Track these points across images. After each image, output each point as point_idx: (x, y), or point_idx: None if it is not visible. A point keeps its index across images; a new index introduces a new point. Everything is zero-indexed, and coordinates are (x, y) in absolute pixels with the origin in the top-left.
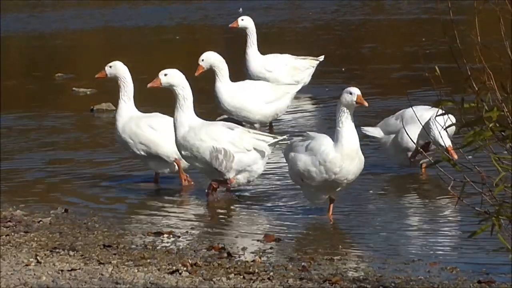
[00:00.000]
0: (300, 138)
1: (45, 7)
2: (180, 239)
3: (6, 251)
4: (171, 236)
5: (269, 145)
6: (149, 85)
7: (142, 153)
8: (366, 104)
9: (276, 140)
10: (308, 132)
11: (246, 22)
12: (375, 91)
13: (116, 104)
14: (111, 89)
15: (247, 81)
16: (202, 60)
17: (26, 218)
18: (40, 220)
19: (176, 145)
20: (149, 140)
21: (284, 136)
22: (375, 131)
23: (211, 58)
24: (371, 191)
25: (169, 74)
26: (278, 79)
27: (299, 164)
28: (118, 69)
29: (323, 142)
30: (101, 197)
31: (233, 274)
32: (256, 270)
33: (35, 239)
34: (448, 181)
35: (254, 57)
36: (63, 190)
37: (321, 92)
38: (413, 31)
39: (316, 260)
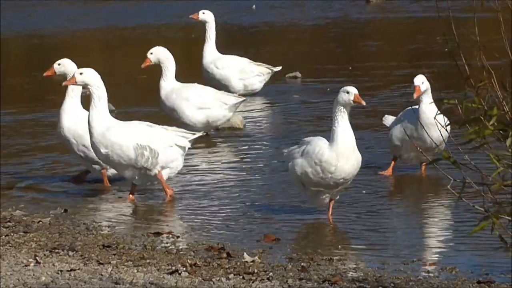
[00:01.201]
0: (296, 146)
1: (46, 6)
2: (180, 239)
3: (6, 252)
4: (171, 236)
5: (188, 141)
6: (63, 83)
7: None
8: (363, 103)
9: (195, 136)
10: (303, 138)
11: (206, 16)
12: (376, 88)
13: (116, 104)
14: (111, 89)
15: (194, 84)
16: (151, 53)
17: (26, 219)
18: (40, 221)
19: (93, 144)
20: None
21: (202, 132)
22: (387, 120)
23: (159, 54)
24: (371, 191)
25: (84, 73)
26: (225, 78)
27: (297, 168)
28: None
29: (317, 143)
30: (100, 197)
31: (232, 275)
32: (256, 271)
33: (35, 239)
34: (447, 180)
35: (209, 52)
36: (62, 190)
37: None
38: (421, 30)
39: (316, 260)
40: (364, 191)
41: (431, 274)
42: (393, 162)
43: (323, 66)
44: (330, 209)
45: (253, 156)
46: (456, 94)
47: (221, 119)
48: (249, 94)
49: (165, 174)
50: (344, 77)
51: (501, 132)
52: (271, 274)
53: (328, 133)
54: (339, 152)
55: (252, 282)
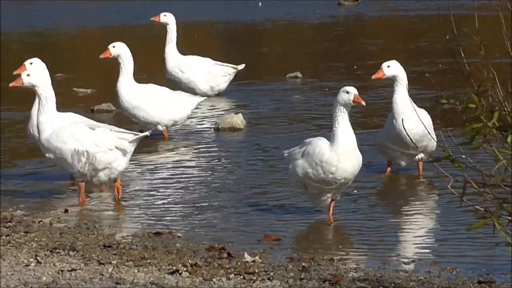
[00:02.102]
0: (298, 147)
1: (46, 5)
2: (180, 239)
3: (6, 251)
4: (171, 236)
5: (130, 142)
6: (10, 84)
7: None
8: (363, 103)
9: (137, 137)
10: (304, 140)
11: (167, 18)
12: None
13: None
14: (112, 89)
15: (150, 84)
16: (113, 46)
17: (26, 219)
18: (40, 221)
19: (41, 147)
20: None
21: (146, 133)
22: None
23: (120, 49)
24: (371, 191)
25: (31, 75)
26: (191, 81)
27: (297, 169)
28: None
29: (318, 144)
30: (101, 197)
31: (233, 275)
32: (256, 271)
33: (35, 239)
34: (447, 179)
35: (171, 55)
36: (63, 190)
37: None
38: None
39: (316, 260)
40: (355, 191)
41: (431, 274)
42: (389, 168)
43: (325, 63)
44: (331, 209)
45: (253, 156)
46: (461, 91)
47: (184, 118)
48: (215, 95)
49: (104, 175)
50: (344, 76)
51: (502, 133)
52: (271, 274)
53: (328, 133)
54: (339, 153)
55: (253, 282)
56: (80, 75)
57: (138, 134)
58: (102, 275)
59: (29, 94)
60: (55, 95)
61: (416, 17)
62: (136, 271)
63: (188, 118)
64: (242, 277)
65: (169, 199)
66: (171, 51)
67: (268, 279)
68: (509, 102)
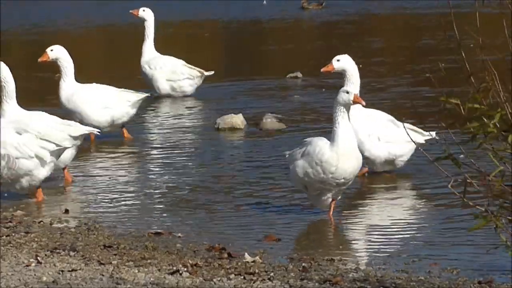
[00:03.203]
0: (298, 147)
1: (46, 5)
2: (181, 239)
3: (7, 252)
4: (172, 236)
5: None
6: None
7: None
8: (363, 102)
9: (60, 147)
10: (305, 139)
11: (145, 13)
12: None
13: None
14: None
15: (94, 84)
16: (51, 50)
17: (27, 219)
18: (41, 221)
19: None
20: None
21: (95, 131)
22: None
23: (58, 53)
24: (372, 191)
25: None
26: (154, 79)
27: (298, 169)
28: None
29: (318, 143)
30: (101, 197)
31: (233, 275)
32: (257, 271)
33: (36, 239)
34: (447, 179)
35: (147, 51)
36: (63, 191)
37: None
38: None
39: (317, 260)
40: (371, 191)
41: (432, 274)
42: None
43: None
44: (331, 209)
45: (253, 156)
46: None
47: (125, 117)
48: (180, 96)
49: (25, 181)
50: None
51: (502, 133)
52: (272, 274)
53: (329, 133)
54: (339, 153)
55: (253, 282)
56: (80, 75)
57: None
58: (103, 275)
59: (29, 94)
60: (55, 95)
61: (419, 15)
62: (137, 271)
63: (133, 116)
64: (242, 277)
65: (169, 199)
66: (147, 47)
67: (269, 279)
68: (510, 102)
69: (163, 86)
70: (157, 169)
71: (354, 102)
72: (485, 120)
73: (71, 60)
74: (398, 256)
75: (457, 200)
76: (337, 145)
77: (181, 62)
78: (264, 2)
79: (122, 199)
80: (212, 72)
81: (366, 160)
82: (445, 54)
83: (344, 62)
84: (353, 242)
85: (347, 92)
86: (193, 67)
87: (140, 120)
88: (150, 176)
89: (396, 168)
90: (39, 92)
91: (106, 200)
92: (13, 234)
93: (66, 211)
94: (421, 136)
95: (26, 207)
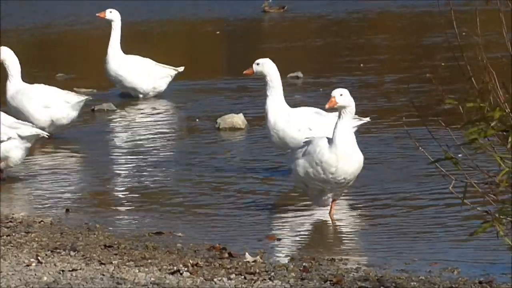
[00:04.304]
0: (299, 146)
1: (46, 4)
2: (181, 239)
3: (7, 251)
4: (172, 236)
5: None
6: (97, 14)
7: None
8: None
9: (33, 133)
10: (306, 139)
11: (112, 15)
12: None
13: (116, 104)
14: (112, 89)
15: (41, 84)
16: None
17: (27, 218)
18: (41, 220)
19: None
20: None
21: (44, 134)
22: None
23: (3, 54)
24: (372, 191)
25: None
26: (134, 82)
27: (298, 169)
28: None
29: (318, 143)
30: (101, 197)
31: (234, 275)
32: (257, 271)
33: (36, 239)
34: (448, 180)
35: (114, 54)
36: (63, 190)
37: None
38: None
39: (317, 260)
40: (371, 191)
41: (432, 274)
42: None
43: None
44: (332, 209)
45: (254, 156)
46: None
47: (65, 118)
48: (155, 95)
49: (2, 165)
50: (344, 76)
51: (503, 133)
52: (272, 274)
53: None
54: (338, 154)
55: (254, 282)
56: (80, 75)
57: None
58: (103, 275)
59: None
60: None
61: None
62: (137, 271)
63: (74, 118)
64: (243, 277)
65: (169, 199)
66: (114, 50)
67: (269, 279)
68: (510, 103)
69: (146, 87)
70: (157, 168)
71: (329, 108)
72: (485, 123)
73: (17, 61)
74: (398, 256)
75: (458, 201)
76: (335, 147)
77: (150, 61)
78: (270, 1)
79: (122, 199)
80: (183, 68)
81: None
82: (443, 52)
83: (263, 66)
84: (353, 241)
85: (341, 95)
86: (163, 65)
87: (140, 119)
88: (150, 176)
89: None
90: None
91: (107, 200)
92: (14, 234)
93: (67, 210)
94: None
95: (26, 207)
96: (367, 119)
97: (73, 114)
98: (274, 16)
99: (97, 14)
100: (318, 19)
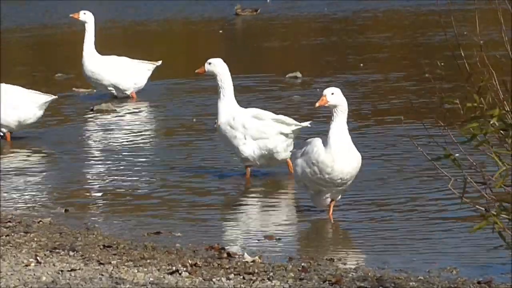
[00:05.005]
0: (299, 146)
1: (46, 4)
2: (180, 239)
3: (6, 251)
4: (171, 236)
5: None
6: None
7: None
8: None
9: None
10: (306, 140)
11: (86, 16)
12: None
13: (116, 104)
14: None
15: (3, 84)
16: None
17: (26, 218)
18: (40, 220)
19: None
20: None
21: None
22: None
23: None
24: (372, 191)
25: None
26: (111, 80)
27: (297, 169)
28: None
29: (316, 143)
30: (100, 197)
31: (233, 275)
32: (256, 271)
33: (35, 239)
34: (447, 179)
35: (89, 54)
36: (63, 191)
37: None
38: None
39: (316, 260)
40: (371, 190)
41: (431, 274)
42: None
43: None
44: (331, 209)
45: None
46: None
47: (32, 118)
48: (136, 91)
49: None
50: (343, 76)
51: (501, 132)
52: (271, 274)
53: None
54: (333, 154)
55: (253, 282)
56: (80, 75)
57: None
58: (102, 275)
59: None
60: (55, 94)
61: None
62: (136, 271)
63: (39, 118)
64: (242, 277)
65: (168, 199)
66: (89, 50)
67: (268, 279)
68: (509, 101)
69: (128, 84)
70: (157, 168)
71: (319, 106)
72: (485, 120)
73: None
74: (397, 256)
75: (456, 199)
76: (329, 147)
77: (127, 59)
78: (268, 0)
79: (122, 198)
80: (160, 62)
81: (243, 160)
82: (443, 51)
83: (214, 66)
84: (352, 241)
85: (332, 94)
86: (140, 61)
87: (139, 118)
88: (149, 176)
89: (277, 163)
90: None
91: (106, 200)
92: (13, 234)
93: (66, 210)
94: (287, 127)
95: (25, 207)
96: (307, 123)
97: (40, 113)
98: (247, 18)
99: (70, 15)
100: (318, 19)
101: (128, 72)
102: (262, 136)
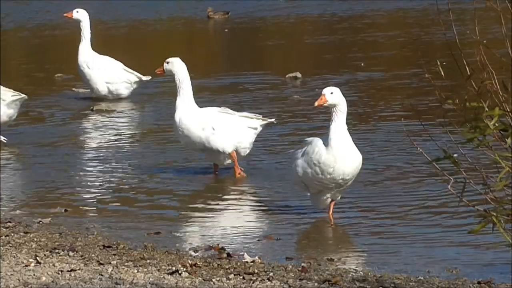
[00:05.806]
0: (298, 146)
1: (46, 4)
2: (180, 239)
3: (6, 252)
4: (171, 236)
5: None
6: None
7: None
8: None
9: None
10: (305, 139)
11: (80, 15)
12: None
13: (116, 104)
14: None
15: None
16: None
17: (26, 219)
18: (40, 221)
19: None
20: None
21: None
22: None
23: None
24: (372, 191)
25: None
26: (92, 80)
27: (298, 169)
28: None
29: (317, 144)
30: (101, 198)
31: (232, 275)
32: (256, 271)
33: (35, 239)
34: (447, 179)
35: (83, 50)
36: (63, 191)
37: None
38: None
39: (316, 260)
40: (371, 190)
41: (431, 274)
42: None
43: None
44: (331, 209)
45: (252, 156)
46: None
47: (2, 116)
48: (115, 99)
49: None
50: (344, 75)
51: (501, 132)
52: (271, 274)
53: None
54: (335, 154)
55: (253, 282)
56: (79, 75)
57: None
58: (102, 275)
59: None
60: (55, 94)
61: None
62: (136, 271)
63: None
64: (241, 277)
65: (168, 199)
66: (85, 47)
67: (268, 279)
68: (509, 102)
69: (102, 88)
70: (157, 167)
71: (318, 106)
72: (484, 121)
73: None
74: (397, 256)
75: (456, 200)
76: (330, 147)
77: (120, 65)
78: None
79: (121, 198)
80: (149, 77)
81: (211, 154)
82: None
83: (172, 65)
84: (352, 242)
85: (331, 93)
86: (131, 71)
87: (138, 118)
88: (149, 175)
89: (242, 157)
90: (39, 92)
91: (106, 200)
92: (13, 234)
93: (66, 211)
94: (256, 121)
95: (25, 207)
96: (272, 119)
97: (10, 112)
98: (218, 20)
99: (64, 14)
100: (317, 19)
101: (109, 78)
102: (226, 128)
